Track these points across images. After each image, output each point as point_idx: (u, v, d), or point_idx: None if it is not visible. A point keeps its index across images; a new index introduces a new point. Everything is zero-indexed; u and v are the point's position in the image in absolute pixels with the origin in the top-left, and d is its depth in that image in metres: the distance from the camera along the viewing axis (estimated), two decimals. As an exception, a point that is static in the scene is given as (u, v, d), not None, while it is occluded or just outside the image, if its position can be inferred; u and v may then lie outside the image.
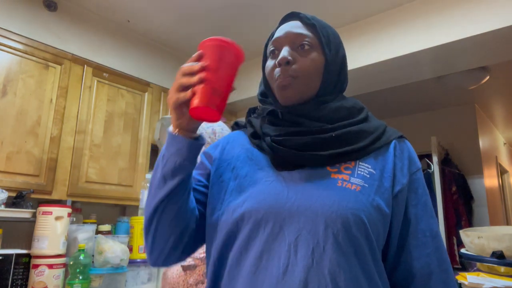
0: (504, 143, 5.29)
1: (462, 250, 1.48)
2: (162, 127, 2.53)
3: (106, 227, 2.22)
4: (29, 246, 1.83)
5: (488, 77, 3.13)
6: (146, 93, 2.57)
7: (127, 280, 2.04)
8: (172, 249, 0.72)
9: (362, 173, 0.69)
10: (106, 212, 2.55)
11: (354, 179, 0.68)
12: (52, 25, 2.16)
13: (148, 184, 2.34)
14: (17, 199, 1.86)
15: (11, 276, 1.73)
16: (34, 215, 1.87)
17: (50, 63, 2.10)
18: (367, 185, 0.68)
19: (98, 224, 2.20)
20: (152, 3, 2.27)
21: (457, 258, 3.30)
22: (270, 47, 0.80)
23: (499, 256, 1.26)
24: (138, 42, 2.62)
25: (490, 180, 3.99)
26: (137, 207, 2.33)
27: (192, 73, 0.65)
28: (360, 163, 0.71)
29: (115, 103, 2.37)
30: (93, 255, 1.96)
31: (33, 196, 1.93)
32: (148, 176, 2.33)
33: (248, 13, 2.35)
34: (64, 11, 2.24)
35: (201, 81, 0.64)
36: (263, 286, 0.62)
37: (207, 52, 0.67)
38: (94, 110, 2.26)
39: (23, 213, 1.84)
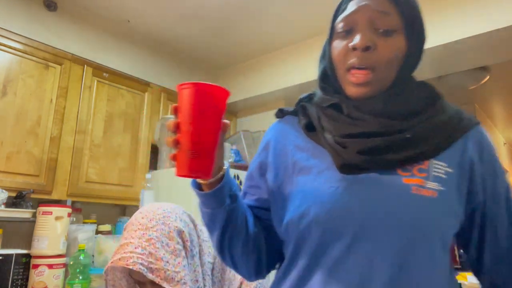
0: (504, 143, 5.29)
1: (462, 250, 1.48)
2: (162, 127, 2.53)
3: (106, 227, 2.22)
4: (29, 246, 1.83)
5: (488, 77, 3.13)
6: (146, 93, 2.57)
7: (127, 280, 2.04)
8: (258, 269, 0.73)
9: (438, 174, 0.61)
10: (106, 212, 2.54)
11: (430, 183, 0.60)
12: (52, 25, 2.16)
13: (148, 184, 2.34)
14: (17, 199, 1.86)
15: (11, 276, 1.73)
16: (34, 215, 1.87)
17: (50, 63, 2.10)
18: (444, 189, 0.60)
19: (98, 224, 2.20)
20: (152, 3, 2.27)
21: (457, 258, 3.30)
22: (341, 23, 0.66)
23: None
24: (138, 42, 2.62)
25: (490, 180, 3.98)
26: (137, 207, 2.33)
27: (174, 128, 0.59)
28: (434, 162, 0.62)
29: (115, 103, 2.37)
30: (93, 255, 1.96)
31: (33, 196, 1.93)
32: (148, 176, 2.33)
33: (248, 13, 2.35)
34: (64, 11, 2.23)
35: (176, 146, 0.58)
36: None
37: (181, 102, 0.58)
38: (94, 110, 2.26)
39: (23, 213, 1.84)
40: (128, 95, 2.45)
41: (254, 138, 2.87)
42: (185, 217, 1.06)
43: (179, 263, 0.95)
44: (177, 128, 0.58)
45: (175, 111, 0.59)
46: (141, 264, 0.90)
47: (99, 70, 2.32)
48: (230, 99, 3.03)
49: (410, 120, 0.63)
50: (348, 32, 0.65)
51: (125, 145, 2.39)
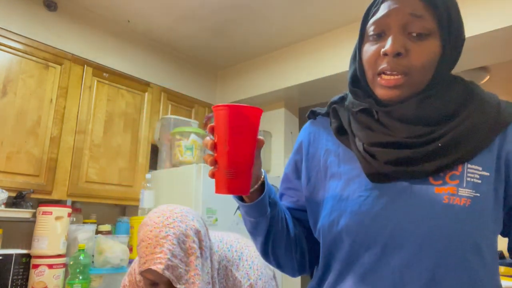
0: (504, 143, 5.28)
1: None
2: (162, 127, 2.53)
3: (106, 227, 2.22)
4: (29, 246, 1.83)
5: (488, 77, 3.13)
6: (146, 93, 2.57)
7: (127, 280, 2.04)
8: (300, 268, 0.77)
9: (472, 179, 0.58)
10: (106, 212, 2.54)
11: (463, 190, 0.58)
12: (52, 25, 2.16)
13: (148, 184, 2.34)
14: (17, 199, 1.86)
15: (11, 276, 1.73)
16: (34, 215, 1.87)
17: (50, 63, 2.10)
18: (479, 194, 0.57)
19: (98, 224, 2.20)
20: (152, 3, 2.27)
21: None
22: (372, 26, 0.64)
23: (499, 257, 1.26)
24: (138, 42, 2.62)
25: (490, 180, 3.98)
26: (137, 207, 2.33)
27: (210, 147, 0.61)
28: (469, 166, 0.59)
29: (115, 103, 2.37)
30: (93, 255, 1.96)
31: (33, 196, 1.93)
32: (148, 176, 2.33)
33: (248, 13, 2.35)
34: (64, 11, 2.23)
35: (213, 165, 0.60)
36: None
37: (217, 123, 0.59)
38: (94, 110, 2.25)
39: (23, 213, 1.84)
40: (128, 95, 2.45)
41: (254, 138, 2.87)
42: (200, 219, 1.06)
43: (191, 261, 0.94)
44: (214, 148, 0.59)
45: (212, 131, 0.60)
46: (160, 263, 0.90)
47: (99, 70, 2.32)
48: (230, 99, 3.04)
49: (444, 125, 0.61)
50: (380, 36, 0.63)
51: (125, 145, 2.39)
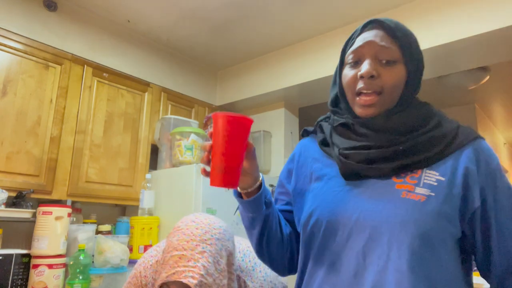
0: (504, 143, 5.29)
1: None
2: (162, 127, 2.53)
3: (106, 227, 2.22)
4: (29, 246, 1.83)
5: (488, 77, 3.13)
6: (146, 93, 2.57)
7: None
8: (290, 267, 0.87)
9: (428, 181, 0.70)
10: (106, 212, 2.55)
11: (420, 189, 0.69)
12: (52, 25, 2.16)
13: (148, 184, 2.34)
14: (17, 199, 1.86)
15: (11, 276, 1.73)
16: (34, 215, 1.87)
17: (50, 63, 2.10)
18: (433, 194, 0.68)
19: (98, 224, 2.21)
20: (152, 3, 2.27)
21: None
22: (350, 55, 0.79)
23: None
24: (138, 42, 2.62)
25: (490, 180, 3.97)
26: (137, 207, 2.33)
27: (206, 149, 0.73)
28: (427, 171, 0.71)
29: (115, 103, 2.37)
30: (93, 255, 1.96)
31: (33, 196, 1.93)
32: (148, 176, 2.33)
33: (248, 13, 2.35)
34: (64, 11, 2.23)
35: (209, 163, 0.72)
36: (336, 286, 0.70)
37: (215, 129, 0.73)
38: (94, 110, 2.26)
39: (23, 213, 1.84)
40: (128, 95, 2.45)
41: (254, 138, 2.87)
42: (233, 238, 1.04)
43: (223, 285, 0.92)
44: (210, 149, 0.71)
45: (211, 135, 0.72)
46: (192, 277, 0.87)
47: (99, 70, 2.32)
48: (230, 99, 3.04)
49: (407, 135, 0.74)
50: (356, 63, 0.77)
51: (125, 145, 2.39)
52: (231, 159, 0.71)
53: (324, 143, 0.84)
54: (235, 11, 2.33)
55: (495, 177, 0.72)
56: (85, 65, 2.25)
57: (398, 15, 2.26)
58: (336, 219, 0.72)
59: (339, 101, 0.83)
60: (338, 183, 0.76)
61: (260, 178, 0.78)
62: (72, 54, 2.21)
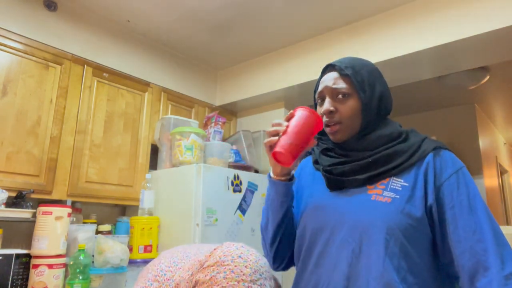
0: (504, 143, 5.28)
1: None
2: (162, 127, 2.53)
3: (106, 227, 2.22)
4: (29, 246, 1.83)
5: (488, 77, 3.13)
6: (146, 93, 2.57)
7: (127, 280, 2.04)
8: (289, 262, 1.02)
9: (394, 187, 0.85)
10: (106, 212, 2.55)
11: (387, 192, 0.85)
12: (52, 25, 2.16)
13: (148, 184, 2.34)
14: (17, 199, 1.86)
15: (11, 276, 1.73)
16: (34, 215, 1.87)
17: (50, 63, 2.10)
18: (398, 196, 0.83)
19: (98, 224, 2.20)
20: (152, 3, 2.27)
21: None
22: (317, 96, 0.98)
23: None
24: (138, 42, 2.62)
25: (490, 180, 3.98)
26: (137, 207, 2.33)
27: (280, 126, 0.89)
28: (394, 178, 0.87)
29: (115, 103, 2.37)
30: (93, 255, 1.96)
31: (33, 196, 1.93)
32: (148, 176, 2.33)
33: (248, 13, 2.35)
34: (64, 11, 2.24)
35: (283, 133, 0.87)
36: (321, 277, 0.85)
37: (298, 115, 0.89)
38: (94, 110, 2.26)
39: (23, 213, 1.84)
40: (128, 95, 2.45)
41: (254, 138, 2.87)
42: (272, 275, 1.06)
43: None
44: (287, 126, 0.88)
45: (289, 118, 0.90)
46: None
47: (99, 70, 2.32)
48: (230, 99, 3.04)
49: (375, 150, 0.90)
50: (322, 101, 0.96)
51: (125, 145, 2.39)
52: (300, 141, 0.85)
53: (315, 162, 1.03)
54: (235, 11, 2.33)
55: (451, 182, 0.83)
56: (85, 65, 2.25)
57: (398, 15, 2.26)
58: (322, 220, 0.90)
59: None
60: (323, 193, 0.94)
61: (293, 172, 0.97)
62: (72, 54, 2.21)
